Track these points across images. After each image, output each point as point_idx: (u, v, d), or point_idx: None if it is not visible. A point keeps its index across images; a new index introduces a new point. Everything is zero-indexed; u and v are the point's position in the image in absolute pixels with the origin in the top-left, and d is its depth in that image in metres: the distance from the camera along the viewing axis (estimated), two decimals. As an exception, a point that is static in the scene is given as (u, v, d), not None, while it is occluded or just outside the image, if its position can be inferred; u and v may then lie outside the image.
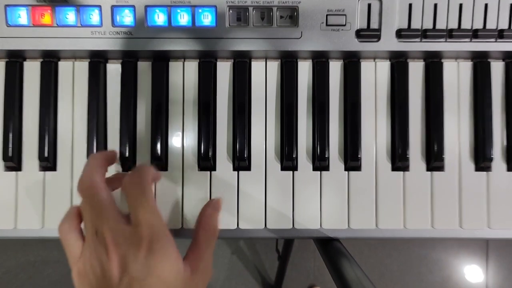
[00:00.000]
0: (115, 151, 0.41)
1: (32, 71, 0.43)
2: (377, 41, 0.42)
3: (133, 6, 0.41)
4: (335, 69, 0.44)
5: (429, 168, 0.43)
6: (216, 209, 0.40)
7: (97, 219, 0.34)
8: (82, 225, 0.36)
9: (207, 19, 0.41)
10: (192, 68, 0.44)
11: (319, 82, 0.43)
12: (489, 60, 0.44)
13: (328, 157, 0.43)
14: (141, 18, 0.41)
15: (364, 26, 0.42)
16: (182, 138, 0.43)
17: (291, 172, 0.43)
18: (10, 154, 0.42)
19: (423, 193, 0.43)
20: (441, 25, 0.42)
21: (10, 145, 0.42)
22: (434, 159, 0.42)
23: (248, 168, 0.43)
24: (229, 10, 0.41)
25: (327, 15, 0.41)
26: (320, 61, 0.43)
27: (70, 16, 0.41)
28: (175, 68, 0.44)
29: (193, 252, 0.37)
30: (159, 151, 0.42)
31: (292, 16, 0.42)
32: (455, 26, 0.42)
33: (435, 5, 0.42)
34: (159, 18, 0.41)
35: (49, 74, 0.43)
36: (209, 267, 0.38)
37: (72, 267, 0.36)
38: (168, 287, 0.33)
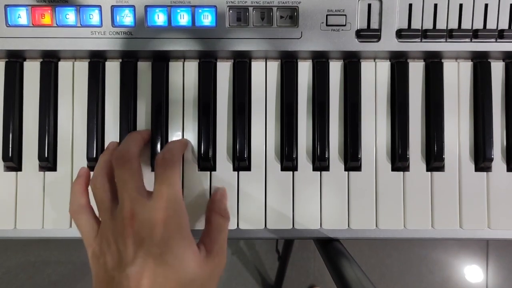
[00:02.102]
0: (149, 130, 0.43)
1: (32, 71, 0.43)
2: (377, 41, 0.42)
3: (133, 6, 0.41)
4: (335, 69, 0.44)
5: (429, 168, 0.43)
6: (224, 195, 0.41)
7: (121, 187, 0.35)
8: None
9: (207, 19, 0.41)
10: (192, 68, 0.44)
11: (319, 82, 0.43)
12: (489, 60, 0.44)
13: (328, 157, 0.43)
14: (141, 18, 0.41)
15: (364, 26, 0.42)
16: (182, 138, 0.43)
17: (291, 172, 0.43)
18: (10, 154, 0.42)
19: (423, 193, 0.43)
20: (441, 25, 0.42)
21: (10, 145, 0.42)
22: (434, 159, 0.42)
23: (248, 168, 0.43)
24: (229, 10, 0.41)
25: (327, 15, 0.41)
26: (320, 61, 0.43)
27: (70, 16, 0.41)
28: (175, 68, 0.44)
29: (207, 236, 0.37)
30: (159, 151, 0.42)
31: (292, 16, 0.42)
32: (455, 26, 0.42)
33: (435, 5, 0.42)
34: (159, 18, 0.41)
35: (49, 74, 0.43)
36: (224, 252, 0.37)
37: (87, 249, 0.36)
38: (181, 265, 0.33)
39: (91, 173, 0.40)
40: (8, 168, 0.43)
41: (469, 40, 0.42)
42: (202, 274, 0.34)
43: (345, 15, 0.41)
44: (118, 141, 0.43)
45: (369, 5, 0.42)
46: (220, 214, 0.39)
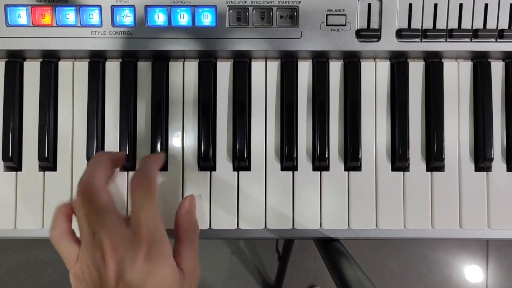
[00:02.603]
0: (124, 152, 0.40)
1: (32, 71, 0.43)
2: (377, 41, 0.42)
3: (133, 6, 0.41)
4: (335, 69, 0.44)
5: (429, 168, 0.43)
6: (192, 205, 0.40)
7: (95, 223, 0.33)
8: (74, 224, 0.36)
9: (207, 19, 0.41)
10: (192, 68, 0.44)
11: (319, 82, 0.43)
12: (489, 60, 0.44)
13: (328, 157, 0.43)
14: (141, 18, 0.41)
15: (364, 26, 0.42)
16: (182, 138, 0.43)
17: (291, 172, 0.43)
18: (10, 154, 0.42)
19: (423, 193, 0.43)
20: (441, 25, 0.42)
21: (10, 145, 0.42)
22: (434, 159, 0.42)
23: (248, 168, 0.43)
24: (229, 10, 0.41)
25: (327, 15, 0.41)
26: (320, 61, 0.43)
27: (70, 16, 0.41)
28: (175, 68, 0.44)
29: (179, 255, 0.36)
30: (159, 151, 0.42)
31: (292, 16, 0.42)
32: (455, 26, 0.42)
33: (435, 5, 0.42)
34: (159, 18, 0.41)
35: (49, 74, 0.43)
36: (197, 266, 0.37)
37: (69, 270, 0.35)
38: None
39: None
40: (8, 168, 0.43)
41: (469, 40, 0.42)
42: None
43: (345, 15, 0.41)
44: (117, 141, 0.43)
45: (369, 5, 0.42)
46: (189, 229, 0.38)
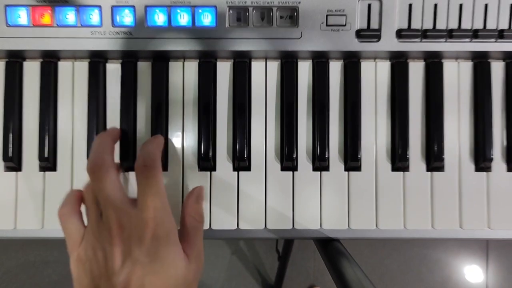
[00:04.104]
0: (117, 128, 0.41)
1: (32, 71, 0.43)
2: (377, 41, 0.42)
3: (133, 6, 0.41)
4: (335, 69, 0.44)
5: (429, 168, 0.43)
6: (201, 195, 0.40)
7: (103, 201, 0.34)
8: (83, 209, 0.36)
9: (207, 19, 0.41)
10: (192, 68, 0.44)
11: (319, 82, 0.43)
12: (489, 60, 0.44)
13: (328, 157, 0.43)
14: (141, 18, 0.41)
15: (364, 26, 0.42)
16: (182, 138, 0.43)
17: (291, 172, 0.43)
18: (10, 154, 0.42)
19: (423, 193, 0.43)
20: (441, 25, 0.42)
21: (10, 145, 0.42)
22: (434, 159, 0.42)
23: (248, 168, 0.43)
24: (229, 10, 0.41)
25: (327, 15, 0.41)
26: (320, 61, 0.43)
27: (70, 16, 0.41)
28: (175, 68, 0.44)
29: (184, 240, 0.36)
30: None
31: (292, 16, 0.42)
32: (455, 26, 0.42)
33: (435, 5, 0.42)
34: (159, 18, 0.41)
35: (49, 74, 0.43)
36: (201, 254, 0.37)
37: (70, 254, 0.35)
38: (170, 273, 0.33)
39: None
40: (8, 168, 0.43)
41: (469, 40, 0.42)
42: (189, 280, 0.34)
43: (345, 15, 0.41)
44: (118, 141, 0.43)
45: (369, 5, 0.42)
46: (195, 217, 0.38)
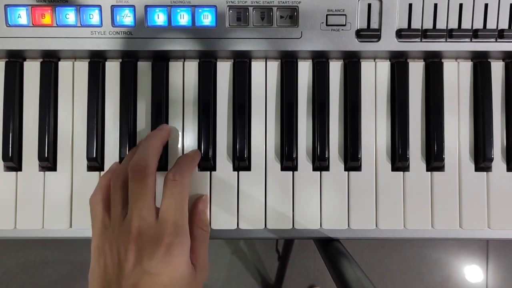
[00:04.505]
0: (168, 127, 0.41)
1: (32, 71, 0.43)
2: (377, 41, 0.42)
3: (133, 6, 0.41)
4: (335, 69, 0.44)
5: (429, 168, 0.43)
6: (206, 205, 0.41)
7: (132, 203, 0.35)
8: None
9: (207, 19, 0.41)
10: (192, 68, 0.44)
11: (319, 82, 0.43)
12: (489, 60, 0.44)
13: (328, 157, 0.43)
14: (141, 18, 0.41)
15: (364, 26, 0.42)
16: (182, 138, 0.43)
17: (291, 172, 0.43)
18: (10, 154, 0.42)
19: (423, 193, 0.43)
20: (441, 25, 0.42)
21: (10, 145, 0.42)
22: (434, 159, 0.42)
23: (248, 168, 0.43)
24: (229, 10, 0.41)
25: (327, 15, 0.41)
26: (320, 61, 0.43)
27: (70, 16, 0.41)
28: (175, 68, 0.44)
29: (191, 251, 0.37)
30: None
31: (292, 16, 0.42)
32: (455, 26, 0.42)
33: (435, 5, 0.42)
34: (159, 18, 0.41)
35: (49, 74, 0.43)
36: (207, 264, 0.38)
37: (92, 239, 0.37)
38: (178, 285, 0.34)
39: None
40: (8, 168, 0.43)
41: (469, 40, 0.42)
42: None
43: (345, 15, 0.41)
44: (117, 141, 0.43)
45: (369, 5, 0.42)
46: (202, 228, 0.39)
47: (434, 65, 0.43)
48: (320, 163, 0.43)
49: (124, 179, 0.36)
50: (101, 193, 0.38)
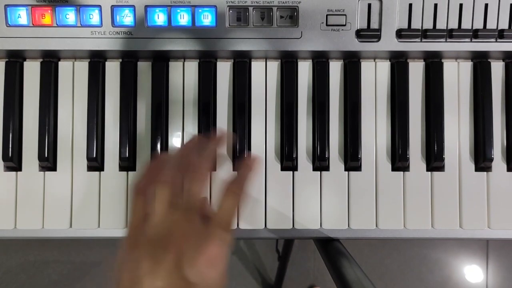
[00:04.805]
0: (225, 134, 0.41)
1: (32, 71, 0.43)
2: (377, 41, 0.42)
3: (133, 6, 0.41)
4: (335, 69, 0.44)
5: (429, 168, 0.43)
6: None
7: (184, 204, 0.33)
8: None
9: (207, 19, 0.41)
10: (192, 68, 0.44)
11: (319, 82, 0.43)
12: (489, 60, 0.44)
13: (328, 157, 0.43)
14: (141, 18, 0.41)
15: (364, 26, 0.42)
16: (182, 138, 0.43)
17: (291, 172, 0.43)
18: (10, 154, 0.42)
19: (423, 193, 0.43)
20: (441, 25, 0.42)
21: (10, 145, 0.42)
22: (434, 159, 0.42)
23: (248, 168, 0.43)
24: (229, 10, 0.41)
25: (327, 15, 0.41)
26: (320, 61, 0.43)
27: (70, 16, 0.41)
28: (175, 68, 0.44)
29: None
30: (159, 151, 0.42)
31: (292, 16, 0.42)
32: (455, 26, 0.42)
33: (435, 5, 0.42)
34: (159, 18, 0.41)
35: (49, 74, 0.43)
36: (225, 274, 0.36)
37: (128, 230, 0.34)
38: None
39: None
40: (8, 168, 0.43)
41: (469, 40, 0.42)
42: None
43: (345, 15, 0.41)
44: (117, 141, 0.43)
45: (369, 5, 0.42)
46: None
47: (434, 65, 0.43)
48: (320, 163, 0.43)
49: (172, 175, 0.34)
50: (146, 184, 0.35)
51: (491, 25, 0.42)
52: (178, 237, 0.31)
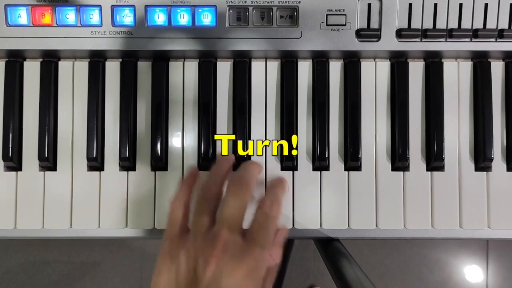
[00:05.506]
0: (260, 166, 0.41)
1: (32, 71, 0.43)
2: (377, 41, 0.42)
3: (133, 6, 0.41)
4: (335, 69, 0.44)
5: (429, 168, 0.43)
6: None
7: (226, 216, 0.34)
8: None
9: (207, 19, 0.41)
10: (192, 68, 0.44)
11: (319, 82, 0.43)
12: (489, 60, 0.44)
13: (328, 157, 0.43)
14: (141, 18, 0.41)
15: (364, 26, 0.42)
16: (182, 138, 0.43)
17: (291, 172, 0.43)
18: (10, 154, 0.42)
19: (423, 193, 0.43)
20: (441, 25, 0.42)
21: (10, 145, 0.42)
22: (434, 159, 0.42)
23: (248, 168, 0.43)
24: (229, 10, 0.41)
25: (327, 15, 0.41)
26: (320, 61, 0.43)
27: (70, 16, 0.41)
28: (175, 68, 0.44)
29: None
30: (159, 151, 0.42)
31: (292, 16, 0.42)
32: (455, 26, 0.42)
33: (435, 5, 0.42)
34: (159, 18, 0.41)
35: (49, 74, 0.43)
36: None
37: (164, 242, 0.35)
38: None
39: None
40: (8, 168, 0.43)
41: (469, 40, 0.42)
42: None
43: (345, 15, 0.41)
44: (117, 141, 0.43)
45: (369, 5, 0.42)
46: (274, 259, 0.37)
47: (434, 65, 0.43)
48: (320, 163, 0.43)
49: (216, 190, 0.36)
50: (184, 197, 0.37)
51: (491, 25, 0.42)
52: (220, 250, 0.32)
